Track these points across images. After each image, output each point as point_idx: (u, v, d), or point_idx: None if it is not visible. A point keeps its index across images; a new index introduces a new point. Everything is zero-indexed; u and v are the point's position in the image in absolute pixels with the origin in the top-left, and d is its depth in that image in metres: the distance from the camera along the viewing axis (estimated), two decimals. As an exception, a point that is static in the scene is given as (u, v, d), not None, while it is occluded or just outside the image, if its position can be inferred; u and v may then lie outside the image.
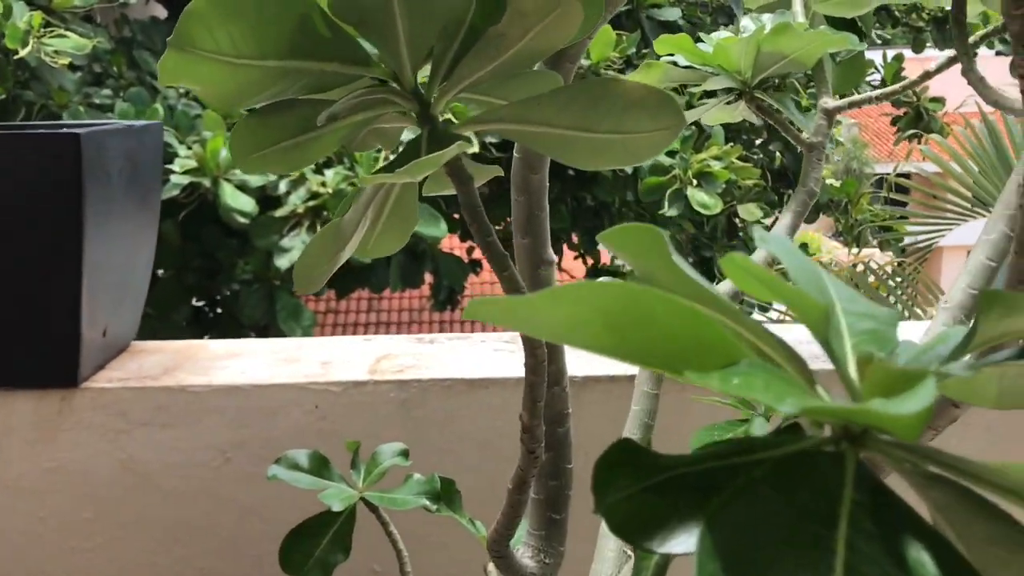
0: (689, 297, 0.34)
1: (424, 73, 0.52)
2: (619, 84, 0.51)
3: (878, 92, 0.89)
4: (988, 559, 0.29)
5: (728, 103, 0.96)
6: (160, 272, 4.26)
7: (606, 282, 0.26)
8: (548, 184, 0.69)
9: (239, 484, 1.14)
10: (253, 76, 0.47)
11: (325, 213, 3.29)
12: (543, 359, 0.56)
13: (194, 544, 1.17)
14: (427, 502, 0.80)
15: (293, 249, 3.20)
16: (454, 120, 0.57)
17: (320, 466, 0.83)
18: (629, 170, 4.39)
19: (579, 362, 1.15)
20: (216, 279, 4.25)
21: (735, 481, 0.28)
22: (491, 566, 0.87)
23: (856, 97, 0.90)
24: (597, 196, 4.85)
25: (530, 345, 0.55)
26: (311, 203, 3.31)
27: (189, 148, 3.49)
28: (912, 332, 0.80)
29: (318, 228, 3.45)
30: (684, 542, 0.28)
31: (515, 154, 0.67)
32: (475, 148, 0.47)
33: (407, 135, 0.62)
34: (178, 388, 1.12)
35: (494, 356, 1.18)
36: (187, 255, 4.11)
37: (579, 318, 0.27)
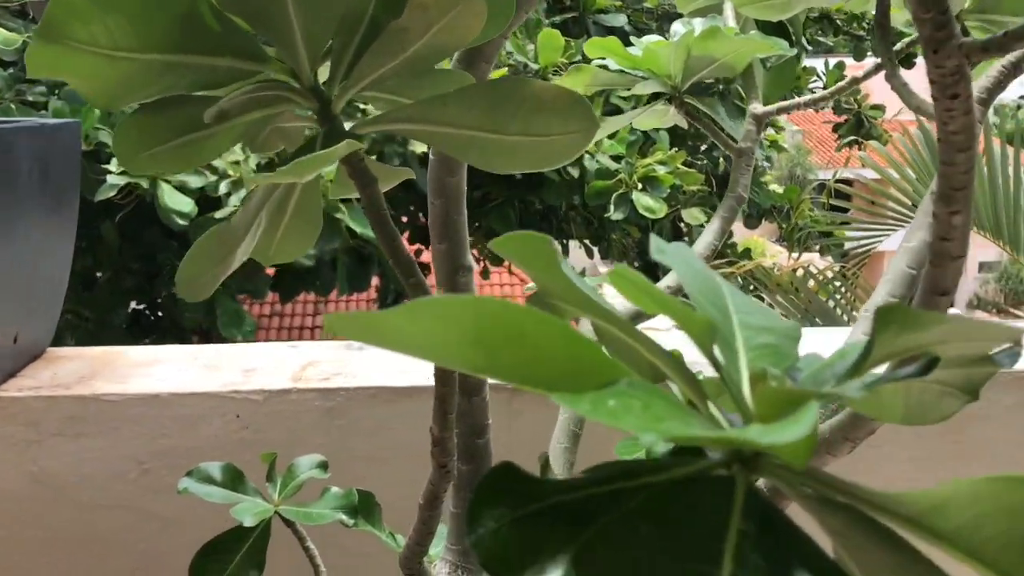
0: (578, 307, 0.32)
1: (325, 70, 0.50)
2: (528, 85, 0.48)
3: (807, 98, 0.89)
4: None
5: (657, 108, 0.95)
6: (98, 275, 4.16)
7: (468, 298, 0.24)
8: (467, 188, 0.66)
9: (158, 496, 1.10)
10: (134, 70, 0.44)
11: (265, 215, 3.24)
12: (453, 369, 0.53)
13: (111, 560, 1.12)
14: (344, 516, 0.77)
15: (232, 252, 3.13)
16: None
17: (234, 479, 0.80)
18: (576, 173, 4.39)
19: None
20: (156, 282, 4.16)
21: (611, 512, 0.26)
22: (411, 582, 0.84)
23: (786, 103, 0.89)
24: (545, 200, 4.85)
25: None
26: (251, 205, 3.25)
27: (125, 147, 3.40)
28: (841, 339, 0.79)
29: (258, 230, 3.39)
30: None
31: (431, 156, 0.64)
32: (363, 146, 0.44)
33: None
34: (92, 397, 1.07)
35: (424, 364, 1.16)
36: (126, 257, 4.01)
37: (442, 336, 0.25)
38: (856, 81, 0.84)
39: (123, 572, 1.12)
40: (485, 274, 4.99)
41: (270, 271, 3.89)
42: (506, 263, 4.79)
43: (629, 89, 0.92)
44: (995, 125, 3.17)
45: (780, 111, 0.88)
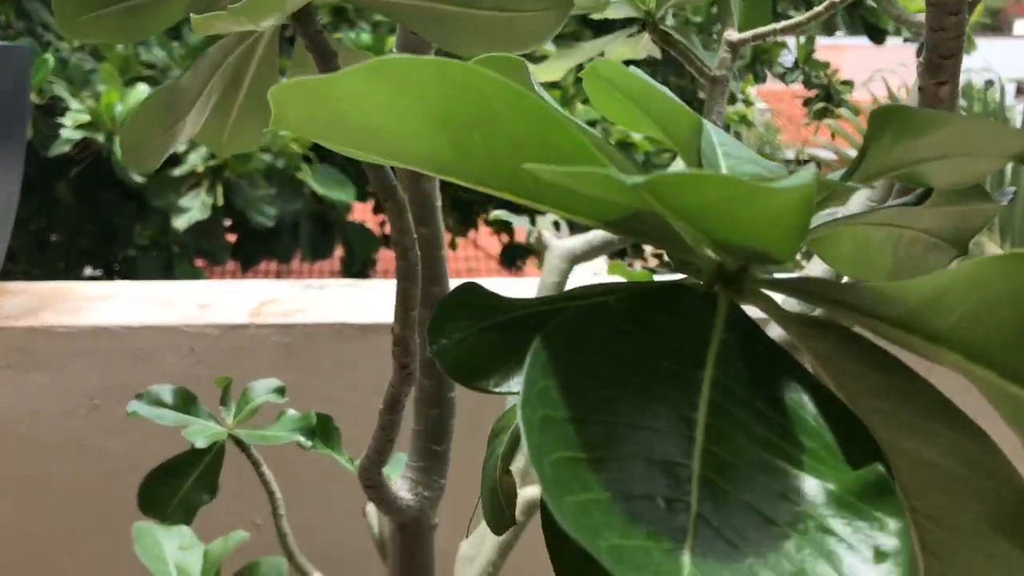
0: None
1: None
2: (500, -46, 0.46)
3: (783, 24, 0.87)
4: (871, 413, 0.25)
5: (631, 35, 0.93)
6: (53, 238, 4.06)
7: (432, 60, 0.21)
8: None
9: (109, 433, 1.06)
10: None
11: (226, 173, 3.17)
12: (415, 262, 0.51)
13: (60, 501, 1.08)
14: (301, 438, 0.74)
15: (192, 209, 3.07)
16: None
17: (186, 402, 0.77)
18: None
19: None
20: (112, 245, 4.07)
21: (591, 319, 0.24)
22: (370, 507, 0.82)
23: (761, 29, 0.87)
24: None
25: (401, 247, 0.50)
26: (211, 163, 3.18)
27: (82, 102, 3.32)
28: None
29: (217, 189, 3.32)
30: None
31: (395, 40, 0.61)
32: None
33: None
34: (42, 329, 1.03)
35: (388, 301, 1.13)
36: (82, 220, 3.91)
37: (403, 110, 0.22)
38: (833, 5, 0.83)
39: (73, 513, 1.09)
40: (452, 246, 4.95)
41: (231, 237, 3.82)
42: (472, 236, 4.75)
43: (602, 13, 0.90)
44: (964, 108, 3.19)
45: (756, 37, 0.86)
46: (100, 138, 3.28)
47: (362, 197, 3.87)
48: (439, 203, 0.64)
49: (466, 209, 4.23)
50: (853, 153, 3.22)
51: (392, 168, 0.51)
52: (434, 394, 0.65)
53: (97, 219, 3.92)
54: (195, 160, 3.31)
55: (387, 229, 4.87)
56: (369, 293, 1.15)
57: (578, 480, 0.19)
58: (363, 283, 1.20)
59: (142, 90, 3.29)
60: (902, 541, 0.19)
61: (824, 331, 0.26)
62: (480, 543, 0.77)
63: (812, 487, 0.21)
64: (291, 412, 0.77)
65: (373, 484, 0.60)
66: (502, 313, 0.25)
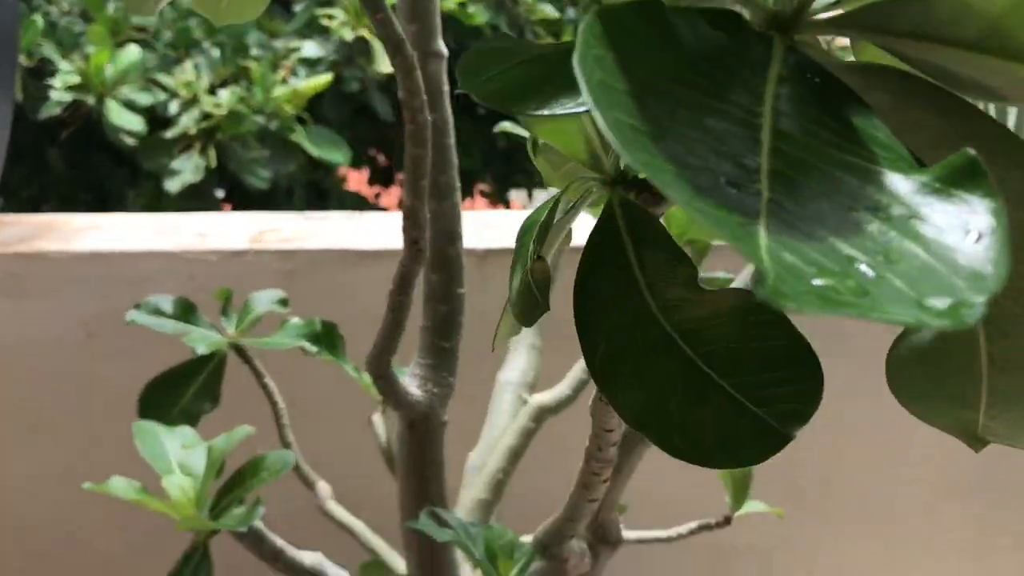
0: None
1: None
2: None
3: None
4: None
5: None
6: (45, 207, 4.02)
7: None
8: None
9: (105, 362, 1.04)
10: None
11: (219, 135, 3.14)
12: (425, 125, 0.49)
13: (55, 434, 1.07)
14: (306, 343, 0.72)
15: (184, 172, 3.03)
16: None
17: (186, 312, 0.75)
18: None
19: (480, 237, 1.09)
20: (105, 211, 4.03)
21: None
22: (375, 416, 0.80)
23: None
24: (509, 136, 4.78)
25: (410, 109, 0.48)
26: (204, 124, 3.15)
27: (72, 64, 3.27)
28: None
29: (209, 151, 3.29)
30: (565, 104, 0.21)
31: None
32: None
33: None
34: (34, 254, 1.01)
35: (392, 230, 1.11)
36: (73, 186, 3.87)
37: None
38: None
39: (67, 446, 1.07)
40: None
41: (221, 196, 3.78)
42: (467, 205, 4.71)
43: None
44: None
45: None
46: (90, 100, 3.24)
47: (356, 163, 3.84)
48: (447, 88, 0.61)
49: (465, 177, 4.20)
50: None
51: (399, 45, 0.49)
52: (443, 289, 0.64)
53: (89, 186, 3.87)
54: (187, 122, 3.28)
55: (381, 200, 4.84)
56: (371, 223, 1.13)
57: (639, 144, 0.17)
58: (365, 214, 1.18)
59: (133, 51, 3.25)
60: (999, 221, 0.17)
61: (884, 78, 0.24)
62: (488, 452, 0.75)
63: (894, 179, 0.19)
64: (295, 320, 0.75)
65: (382, 374, 0.58)
66: (536, 50, 0.23)
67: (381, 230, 1.10)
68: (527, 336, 0.81)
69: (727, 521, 0.62)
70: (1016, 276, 0.25)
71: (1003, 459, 1.18)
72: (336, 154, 3.30)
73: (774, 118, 0.20)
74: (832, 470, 1.18)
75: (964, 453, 1.10)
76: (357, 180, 4.50)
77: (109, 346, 1.04)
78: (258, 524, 0.61)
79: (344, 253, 1.05)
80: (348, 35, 2.81)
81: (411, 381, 0.64)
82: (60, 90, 3.23)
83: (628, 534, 0.62)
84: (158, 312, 0.75)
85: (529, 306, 0.27)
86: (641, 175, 0.16)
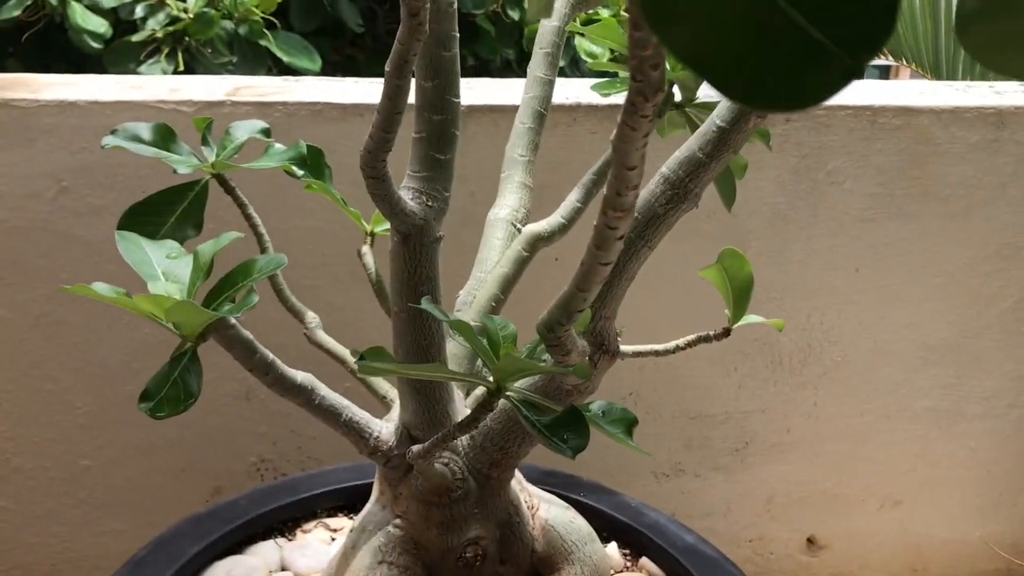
0: None
1: None
2: None
3: None
4: None
5: None
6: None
7: None
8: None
9: (79, 218, 1.01)
10: None
11: (187, 39, 3.04)
12: None
13: (28, 288, 1.04)
14: (293, 167, 0.70)
15: (151, 76, 2.94)
16: None
17: (165, 137, 0.72)
18: (516, 16, 4.24)
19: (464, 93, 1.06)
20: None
21: None
22: (365, 248, 0.79)
23: None
24: (479, 54, 4.69)
25: None
26: (171, 28, 3.04)
27: (28, -41, 3.14)
28: None
29: (178, 54, 3.19)
30: None
31: None
32: None
33: None
34: (2, 103, 0.97)
35: (370, 90, 1.08)
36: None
37: None
38: None
39: (40, 299, 1.04)
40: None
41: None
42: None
43: None
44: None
45: None
46: (53, 1, 3.12)
47: (326, 71, 3.74)
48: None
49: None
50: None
51: None
52: (436, 97, 0.62)
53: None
54: (153, 25, 3.17)
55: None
56: (346, 85, 1.10)
57: None
58: (340, 79, 1.15)
59: (94, -52, 3.12)
60: None
61: None
62: (479, 287, 0.74)
63: None
64: (278, 145, 0.73)
65: (376, 175, 0.57)
66: None
67: (361, 89, 1.07)
68: (517, 174, 0.79)
69: (726, 332, 0.62)
70: None
71: (976, 327, 1.19)
72: (307, 61, 3.21)
73: None
74: (812, 338, 1.19)
75: (940, 322, 1.12)
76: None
77: (82, 201, 1.01)
78: (249, 335, 0.59)
79: (323, 107, 1.02)
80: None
81: (405, 193, 0.62)
82: (16, -13, 3.11)
83: (626, 347, 0.61)
84: (136, 138, 0.72)
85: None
86: None
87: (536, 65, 0.80)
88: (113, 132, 0.73)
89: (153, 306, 0.54)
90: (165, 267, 0.60)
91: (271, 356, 0.62)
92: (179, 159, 0.70)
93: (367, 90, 1.07)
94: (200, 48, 3.24)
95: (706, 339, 0.61)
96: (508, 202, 0.78)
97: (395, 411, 0.70)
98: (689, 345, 0.62)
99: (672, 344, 0.62)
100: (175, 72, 3.21)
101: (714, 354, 1.18)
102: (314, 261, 1.05)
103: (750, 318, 0.61)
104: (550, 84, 0.81)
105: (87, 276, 1.04)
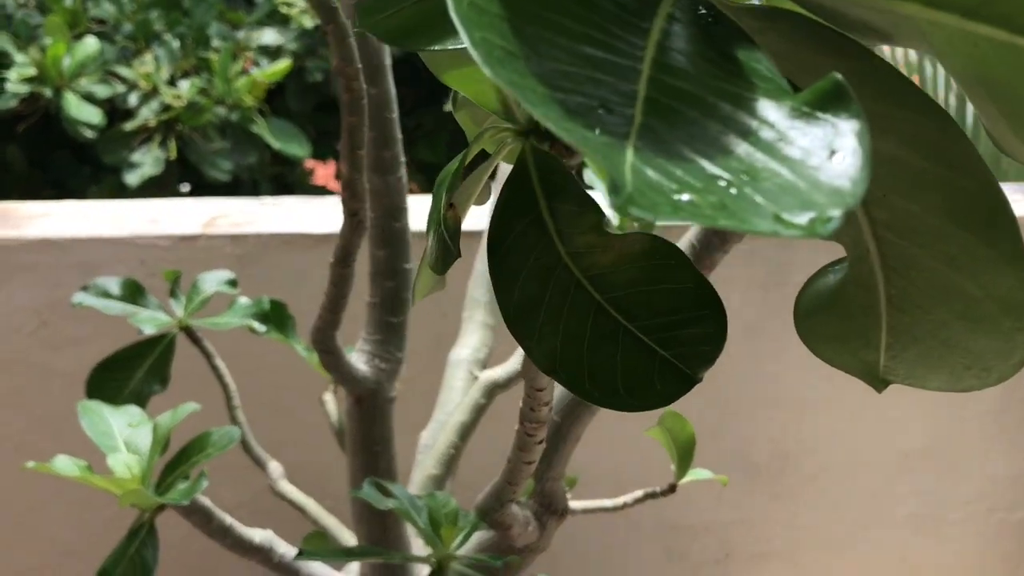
0: None
1: None
2: None
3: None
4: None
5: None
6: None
7: None
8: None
9: (57, 351, 1.03)
10: None
11: (179, 126, 3.10)
12: (361, 94, 0.49)
13: (8, 423, 1.06)
14: (254, 323, 0.72)
15: (144, 164, 3.00)
16: None
17: (134, 293, 0.75)
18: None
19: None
20: (66, 208, 3.98)
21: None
22: (328, 396, 0.80)
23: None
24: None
25: (345, 76, 0.48)
26: (164, 116, 3.11)
27: (28, 56, 3.22)
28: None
29: (170, 143, 3.25)
30: (459, 38, 0.22)
31: None
32: None
33: None
34: (-18, 242, 1.00)
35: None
36: (34, 184, 3.82)
37: None
38: None
39: (21, 431, 1.06)
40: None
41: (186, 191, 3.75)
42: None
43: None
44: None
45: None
46: (47, 92, 3.19)
47: (322, 155, 3.81)
48: (389, 62, 0.62)
49: (430, 171, 4.20)
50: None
51: (331, 12, 0.49)
52: (388, 265, 0.64)
53: (51, 184, 3.82)
54: (147, 114, 3.24)
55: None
56: (324, 207, 1.13)
57: (509, 65, 0.17)
58: (318, 199, 1.18)
59: (91, 43, 3.21)
60: (861, 141, 0.18)
61: (779, 19, 0.25)
62: (439, 430, 0.76)
63: (766, 106, 0.19)
64: (243, 300, 0.75)
65: (328, 349, 0.59)
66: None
67: (334, 214, 1.10)
68: (478, 314, 0.81)
69: (672, 489, 0.63)
70: (908, 215, 0.26)
71: (952, 433, 1.20)
72: (296, 147, 3.28)
73: (657, 51, 0.20)
74: (789, 447, 1.19)
75: (917, 429, 1.13)
76: (324, 175, 4.47)
77: (61, 334, 1.03)
78: (205, 501, 0.61)
79: (295, 237, 1.05)
80: (308, 23, 2.79)
81: (358, 357, 0.64)
82: (16, 82, 3.19)
83: (575, 504, 0.63)
84: (105, 294, 0.74)
85: (442, 254, 0.28)
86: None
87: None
88: (84, 288, 0.75)
89: (110, 485, 0.56)
90: (127, 436, 0.62)
91: (228, 520, 0.63)
92: (146, 317, 0.72)
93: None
94: (192, 134, 3.31)
95: (652, 495, 0.63)
96: (469, 343, 0.80)
97: (355, 563, 0.71)
98: (637, 501, 0.63)
99: (620, 501, 0.63)
100: (167, 159, 3.28)
101: (693, 464, 1.19)
102: (279, 409, 1.06)
103: (695, 473, 0.62)
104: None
105: (66, 406, 1.06)
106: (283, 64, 2.37)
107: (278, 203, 1.16)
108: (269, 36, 3.00)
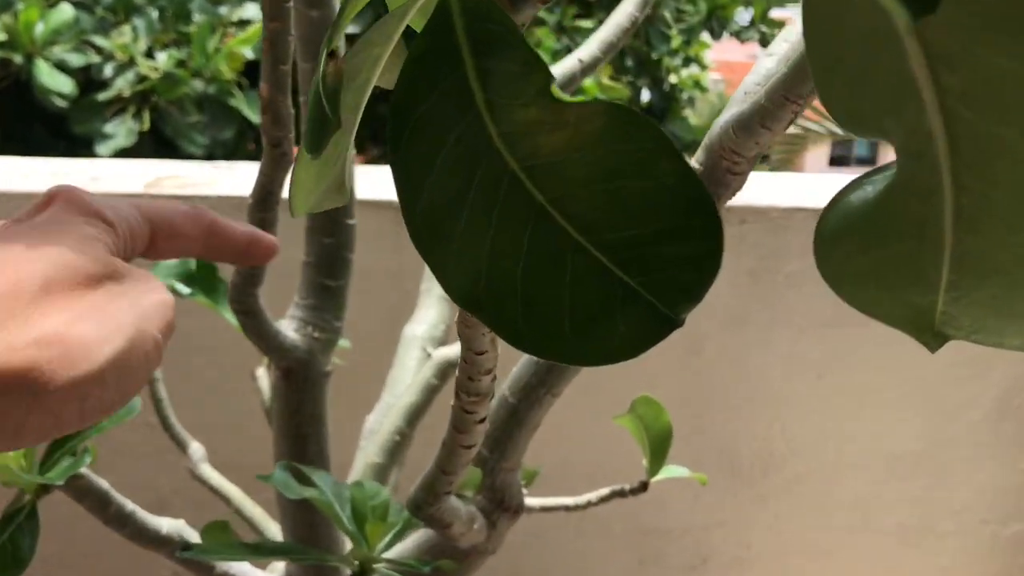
0: None
1: None
2: None
3: None
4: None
5: None
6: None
7: None
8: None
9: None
10: None
11: (155, 98, 2.99)
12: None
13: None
14: (178, 284, 0.63)
15: (116, 136, 2.89)
16: None
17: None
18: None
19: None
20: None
21: None
22: (260, 370, 0.72)
23: None
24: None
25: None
26: (139, 87, 3.00)
27: (-1, 21, 3.11)
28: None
29: (144, 114, 3.14)
30: None
31: None
32: None
33: None
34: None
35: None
36: (5, 154, 3.72)
37: None
38: None
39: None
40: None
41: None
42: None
43: None
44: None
45: None
46: (18, 59, 3.09)
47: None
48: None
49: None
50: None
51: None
52: (326, 219, 0.55)
53: (18, 150, 3.71)
54: (121, 84, 3.13)
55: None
56: (282, 172, 1.04)
57: None
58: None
59: (66, 10, 3.10)
60: None
61: None
62: (385, 414, 0.67)
63: None
64: (169, 260, 0.66)
65: (247, 309, 0.50)
66: None
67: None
68: (437, 287, 0.73)
69: (644, 487, 0.55)
70: (998, 78, 0.17)
71: (946, 439, 1.13)
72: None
73: None
74: (772, 448, 1.11)
75: (909, 432, 1.04)
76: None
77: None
78: (101, 483, 0.52)
79: (244, 200, 0.96)
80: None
81: (288, 324, 0.56)
82: (-17, 50, 3.08)
83: (531, 501, 0.54)
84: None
85: (318, 125, 0.19)
86: None
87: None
88: None
89: (-22, 461, 0.47)
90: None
91: (130, 506, 0.54)
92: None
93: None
94: (168, 107, 3.20)
95: (621, 494, 0.54)
96: (426, 317, 0.72)
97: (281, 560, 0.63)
98: (603, 500, 0.55)
99: (584, 498, 0.55)
100: (140, 132, 3.18)
101: (668, 463, 1.10)
102: (206, 385, 0.97)
103: (670, 470, 0.54)
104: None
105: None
106: (256, 28, 2.27)
107: (232, 167, 1.07)
108: (251, 10, 2.90)
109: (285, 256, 0.56)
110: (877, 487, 1.14)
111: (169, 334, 0.24)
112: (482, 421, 0.35)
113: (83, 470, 0.52)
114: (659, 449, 0.52)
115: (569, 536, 1.13)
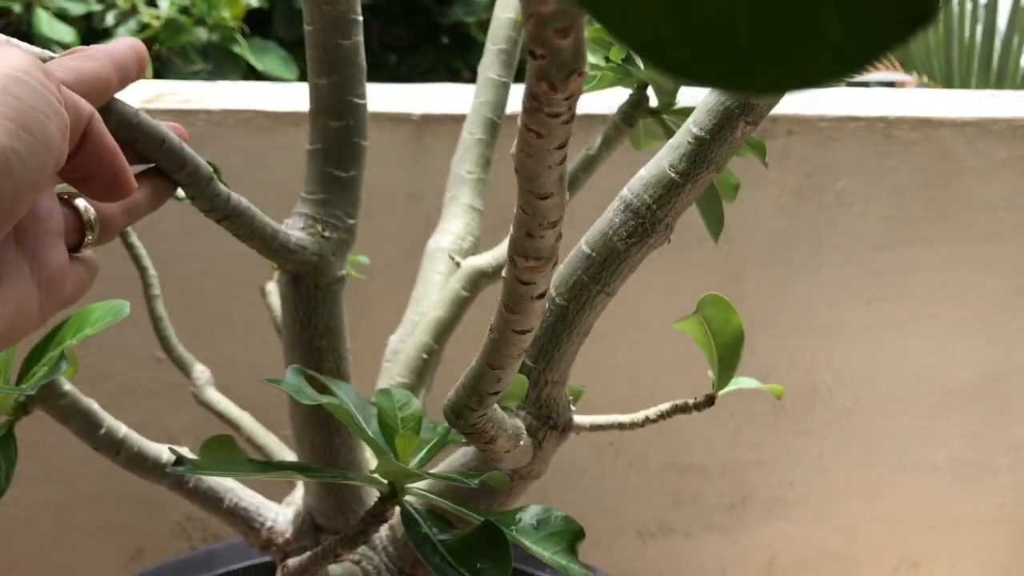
0: None
1: None
2: None
3: None
4: None
5: None
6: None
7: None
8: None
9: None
10: None
11: (156, 46, 2.91)
12: None
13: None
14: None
15: (119, 84, 2.81)
16: None
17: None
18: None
19: (422, 98, 0.93)
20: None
21: None
22: (271, 285, 0.65)
23: None
24: (473, 66, 4.57)
25: None
26: (141, 35, 2.91)
27: (-5, -34, 3.02)
28: None
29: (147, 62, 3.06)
30: None
31: None
32: None
33: None
34: None
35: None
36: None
37: None
38: None
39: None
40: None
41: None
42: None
43: None
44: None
45: None
46: (17, 7, 3.00)
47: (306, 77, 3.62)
48: None
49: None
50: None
51: None
52: (334, 98, 0.48)
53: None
54: (123, 33, 3.04)
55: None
56: (286, 91, 0.97)
57: None
58: (282, 85, 1.01)
59: (65, -44, 3.00)
60: None
61: None
62: (410, 332, 0.60)
63: None
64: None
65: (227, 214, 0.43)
66: None
67: (291, 96, 0.94)
68: (464, 195, 0.66)
69: (710, 401, 0.48)
70: None
71: (1004, 370, 1.05)
72: (283, 70, 3.08)
73: None
74: (818, 380, 1.04)
75: (963, 362, 0.96)
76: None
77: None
78: (90, 404, 0.45)
79: (252, 115, 0.89)
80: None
81: (295, 221, 0.49)
82: (-19, -4, 2.99)
83: (581, 419, 0.47)
84: None
85: None
86: None
87: (488, 65, 0.67)
88: None
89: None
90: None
91: (123, 430, 0.48)
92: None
93: (303, 96, 0.93)
94: (171, 55, 3.11)
95: (684, 409, 0.47)
96: (452, 228, 0.65)
97: (298, 491, 0.56)
98: (663, 416, 0.48)
99: (642, 415, 0.48)
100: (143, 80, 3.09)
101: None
102: (211, 304, 0.91)
103: (740, 382, 0.47)
104: (505, 87, 0.67)
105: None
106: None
107: (235, 86, 0.99)
108: (254, -46, 2.79)
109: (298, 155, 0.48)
110: (929, 421, 1.07)
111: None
112: (542, 296, 0.28)
113: (67, 387, 0.45)
114: (729, 357, 0.45)
115: (601, 473, 1.06)
